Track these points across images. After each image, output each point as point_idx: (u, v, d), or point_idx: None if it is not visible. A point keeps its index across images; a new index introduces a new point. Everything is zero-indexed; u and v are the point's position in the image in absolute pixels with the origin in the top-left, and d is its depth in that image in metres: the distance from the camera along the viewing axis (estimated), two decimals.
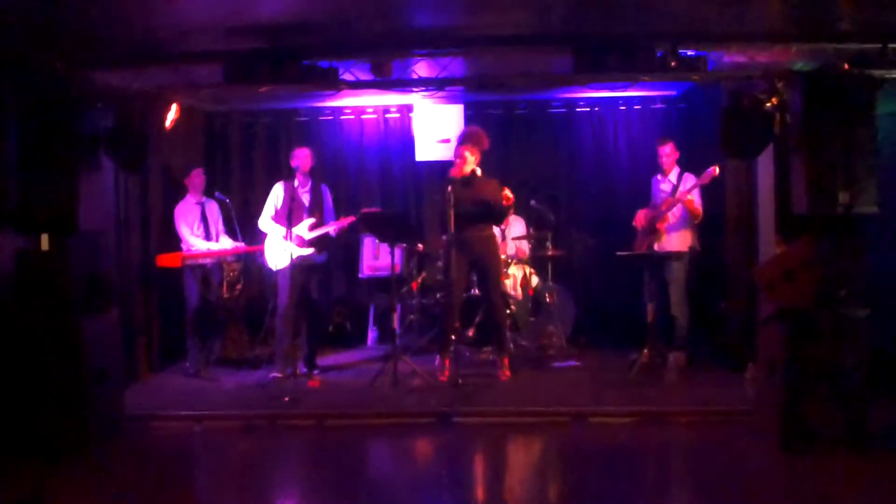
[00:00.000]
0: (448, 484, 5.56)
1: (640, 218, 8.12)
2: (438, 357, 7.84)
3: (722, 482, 5.24)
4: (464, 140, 7.65)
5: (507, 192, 7.41)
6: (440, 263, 8.85)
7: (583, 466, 5.79)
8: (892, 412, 6.27)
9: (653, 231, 7.94)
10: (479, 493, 5.43)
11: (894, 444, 5.78)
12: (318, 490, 5.39)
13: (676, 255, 7.82)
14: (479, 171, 7.61)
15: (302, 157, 7.91)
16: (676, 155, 8.10)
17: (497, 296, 7.82)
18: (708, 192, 7.90)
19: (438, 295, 8.97)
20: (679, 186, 7.89)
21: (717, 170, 7.46)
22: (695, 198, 7.75)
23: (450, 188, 7.34)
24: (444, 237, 7.95)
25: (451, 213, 7.30)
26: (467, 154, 7.57)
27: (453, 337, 7.67)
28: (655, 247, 7.92)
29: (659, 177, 8.22)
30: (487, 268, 7.71)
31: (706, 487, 5.28)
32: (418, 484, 5.58)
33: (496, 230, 8.06)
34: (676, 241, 7.88)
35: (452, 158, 7.81)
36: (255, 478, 5.52)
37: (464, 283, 7.92)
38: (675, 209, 7.85)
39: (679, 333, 7.88)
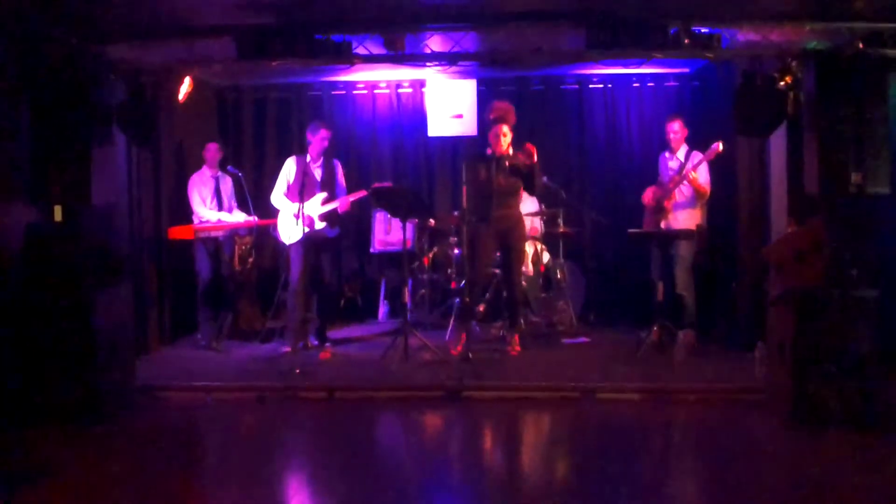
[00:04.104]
0: (457, 457, 5.63)
1: (649, 195, 8.08)
2: (451, 330, 7.86)
3: (730, 460, 5.27)
4: (504, 117, 7.57)
5: (529, 147, 7.37)
6: (453, 239, 8.89)
7: (591, 442, 5.84)
8: None
9: (661, 209, 7.91)
10: (488, 467, 5.48)
11: None
12: (328, 461, 5.44)
13: (684, 234, 7.79)
14: (511, 150, 7.59)
15: (320, 138, 7.82)
16: (685, 132, 8.06)
17: (518, 274, 7.85)
18: (720, 171, 7.88)
19: (449, 270, 8.99)
20: (686, 164, 7.84)
21: (721, 145, 7.43)
22: (701, 175, 7.71)
23: (494, 164, 7.41)
24: (455, 213, 7.92)
25: (483, 190, 7.42)
26: (507, 130, 7.55)
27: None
28: (663, 225, 7.88)
29: (667, 154, 8.19)
30: (513, 246, 7.71)
31: (714, 465, 5.30)
32: (427, 457, 5.63)
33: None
34: (684, 219, 7.84)
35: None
36: (265, 449, 5.58)
37: (490, 259, 7.95)
38: (682, 187, 7.82)
39: (687, 312, 7.86)
